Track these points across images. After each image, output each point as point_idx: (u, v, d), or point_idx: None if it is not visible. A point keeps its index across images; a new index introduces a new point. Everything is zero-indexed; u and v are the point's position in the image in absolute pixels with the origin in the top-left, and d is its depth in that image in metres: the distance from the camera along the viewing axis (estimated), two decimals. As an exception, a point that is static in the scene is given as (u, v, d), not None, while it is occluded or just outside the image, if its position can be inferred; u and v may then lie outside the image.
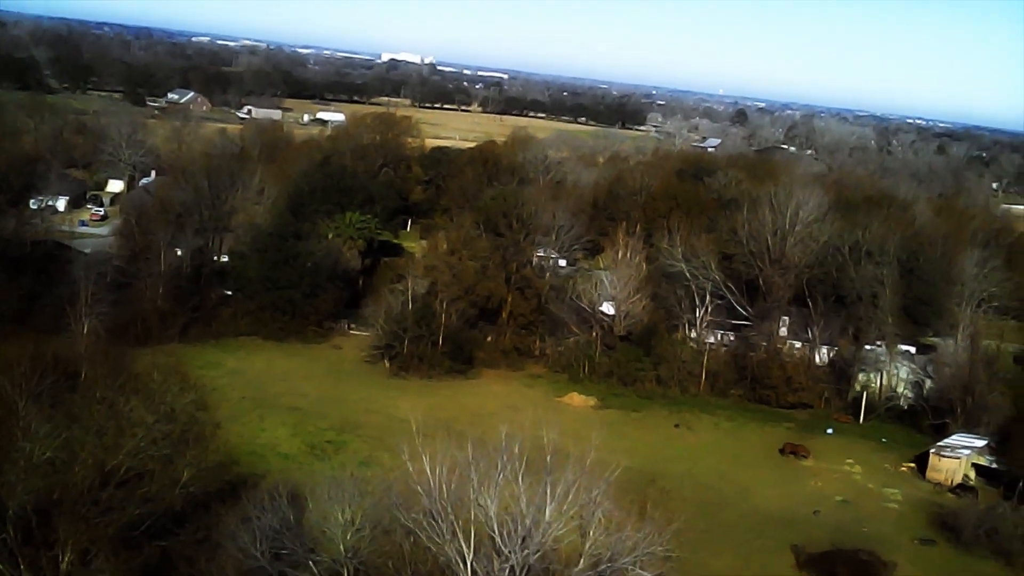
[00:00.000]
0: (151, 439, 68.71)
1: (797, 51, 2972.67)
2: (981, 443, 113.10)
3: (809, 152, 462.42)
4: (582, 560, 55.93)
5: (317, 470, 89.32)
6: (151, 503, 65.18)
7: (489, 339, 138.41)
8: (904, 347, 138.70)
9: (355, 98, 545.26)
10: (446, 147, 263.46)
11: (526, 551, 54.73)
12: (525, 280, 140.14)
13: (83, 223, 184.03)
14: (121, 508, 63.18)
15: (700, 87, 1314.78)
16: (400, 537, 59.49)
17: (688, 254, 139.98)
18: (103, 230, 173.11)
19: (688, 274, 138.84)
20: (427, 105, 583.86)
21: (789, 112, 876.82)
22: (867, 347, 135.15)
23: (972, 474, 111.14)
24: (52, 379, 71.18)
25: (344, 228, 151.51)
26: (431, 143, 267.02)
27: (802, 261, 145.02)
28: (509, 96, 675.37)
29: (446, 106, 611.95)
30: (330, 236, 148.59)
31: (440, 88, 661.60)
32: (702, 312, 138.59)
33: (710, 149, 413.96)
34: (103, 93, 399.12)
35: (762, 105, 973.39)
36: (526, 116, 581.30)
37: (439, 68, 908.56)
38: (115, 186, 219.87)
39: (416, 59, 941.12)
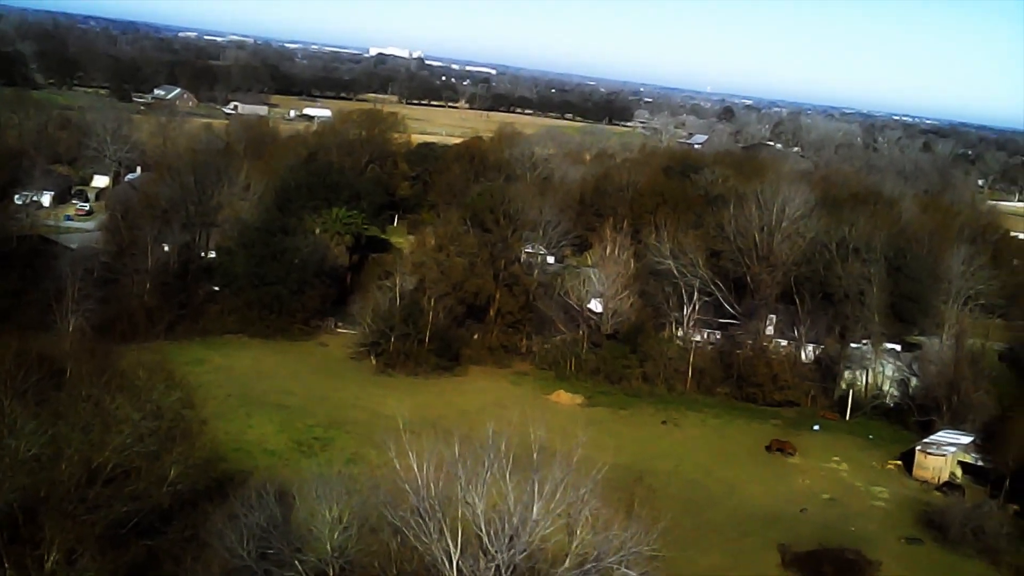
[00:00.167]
0: (137, 436, 68.49)
1: (784, 49, 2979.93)
2: (967, 440, 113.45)
3: (796, 149, 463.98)
4: (568, 559, 55.84)
5: (304, 467, 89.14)
6: (138, 501, 64.97)
7: (476, 336, 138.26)
8: (890, 345, 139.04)
9: (342, 95, 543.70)
10: (433, 143, 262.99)
11: (512, 550, 54.62)
12: (513, 277, 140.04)
13: (68, 218, 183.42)
14: (108, 506, 63.00)
15: (687, 84, 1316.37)
16: (387, 536, 59.37)
17: (676, 251, 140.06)
18: (89, 225, 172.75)
19: (676, 271, 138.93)
20: (414, 102, 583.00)
21: (776, 109, 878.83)
22: (853, 345, 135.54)
23: (959, 472, 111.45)
24: (37, 376, 70.83)
25: (331, 224, 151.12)
26: (418, 139, 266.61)
27: (789, 259, 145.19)
28: (497, 92, 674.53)
29: (433, 103, 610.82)
30: (317, 232, 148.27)
31: (428, 84, 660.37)
32: (689, 310, 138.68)
33: (697, 146, 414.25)
34: (89, 89, 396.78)
35: (749, 102, 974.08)
36: (513, 112, 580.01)
37: (427, 63, 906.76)
38: (100, 182, 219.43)
39: (404, 53, 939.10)
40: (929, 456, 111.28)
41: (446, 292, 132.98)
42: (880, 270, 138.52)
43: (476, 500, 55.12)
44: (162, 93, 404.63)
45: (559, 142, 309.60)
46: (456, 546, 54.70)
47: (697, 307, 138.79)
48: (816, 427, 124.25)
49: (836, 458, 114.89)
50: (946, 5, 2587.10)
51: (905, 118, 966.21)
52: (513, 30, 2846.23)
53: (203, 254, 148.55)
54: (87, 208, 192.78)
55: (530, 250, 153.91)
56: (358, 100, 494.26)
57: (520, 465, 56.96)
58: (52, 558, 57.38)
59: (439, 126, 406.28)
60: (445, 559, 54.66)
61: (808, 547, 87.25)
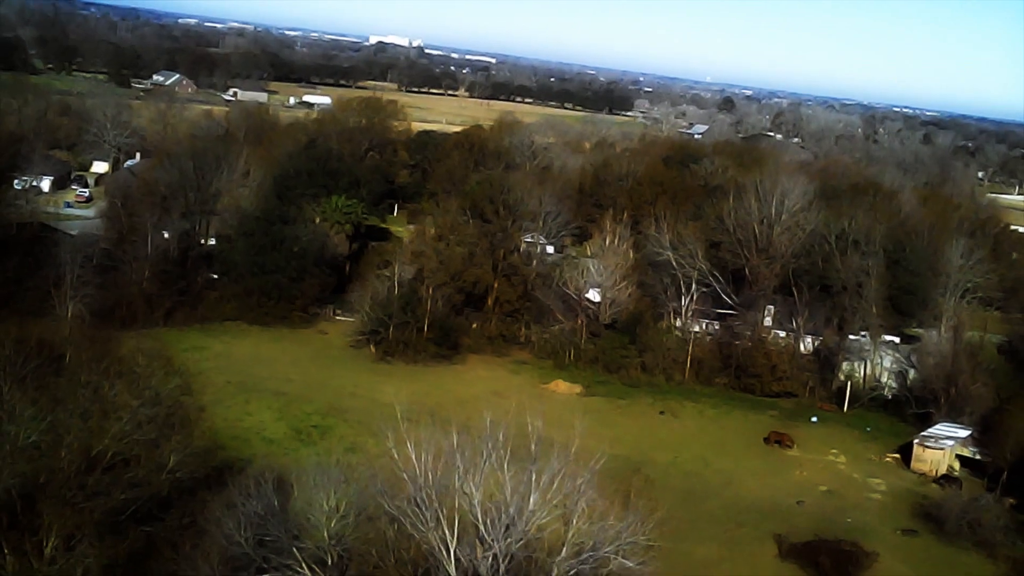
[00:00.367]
0: (136, 423, 68.71)
1: (785, 40, 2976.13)
2: (965, 433, 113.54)
3: (795, 140, 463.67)
4: (564, 549, 55.91)
5: (302, 455, 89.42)
6: (137, 488, 65.24)
7: (475, 325, 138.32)
8: (888, 337, 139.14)
9: (342, 82, 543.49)
10: (432, 131, 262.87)
11: (509, 539, 54.75)
12: (512, 267, 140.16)
13: (68, 204, 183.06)
14: (107, 493, 63.22)
15: (688, 74, 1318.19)
16: (384, 524, 59.41)
17: (675, 242, 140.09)
18: (89, 212, 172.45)
19: (674, 262, 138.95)
20: (414, 89, 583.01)
21: (776, 100, 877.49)
22: (852, 337, 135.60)
23: (956, 465, 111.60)
24: (36, 362, 71.08)
25: (330, 212, 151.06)
26: (417, 127, 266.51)
27: (788, 250, 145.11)
28: (496, 81, 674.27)
29: (433, 91, 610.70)
30: (317, 220, 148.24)
31: (427, 72, 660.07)
32: (688, 300, 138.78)
33: (697, 136, 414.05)
34: (88, 74, 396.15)
35: (749, 93, 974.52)
36: (513, 101, 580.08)
37: (427, 51, 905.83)
38: (100, 167, 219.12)
39: (404, 42, 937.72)
40: (927, 449, 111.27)
41: (445, 281, 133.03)
42: (879, 262, 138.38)
43: (473, 489, 55.20)
44: (161, 79, 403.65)
45: (558, 131, 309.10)
46: (453, 535, 54.82)
47: (695, 298, 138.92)
48: (814, 419, 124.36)
49: (834, 450, 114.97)
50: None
51: (905, 110, 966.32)
52: (513, 19, 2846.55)
53: (202, 241, 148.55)
54: (87, 195, 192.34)
55: (529, 240, 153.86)
56: (358, 88, 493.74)
57: (518, 455, 57.04)
58: (51, 544, 57.52)
59: (439, 114, 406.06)
60: (442, 548, 54.77)
61: (805, 538, 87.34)
